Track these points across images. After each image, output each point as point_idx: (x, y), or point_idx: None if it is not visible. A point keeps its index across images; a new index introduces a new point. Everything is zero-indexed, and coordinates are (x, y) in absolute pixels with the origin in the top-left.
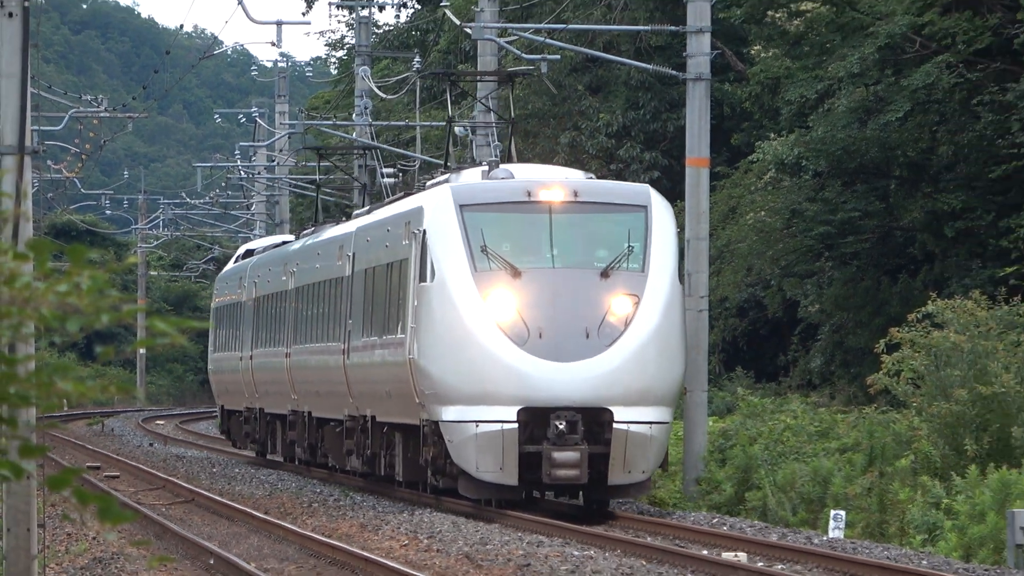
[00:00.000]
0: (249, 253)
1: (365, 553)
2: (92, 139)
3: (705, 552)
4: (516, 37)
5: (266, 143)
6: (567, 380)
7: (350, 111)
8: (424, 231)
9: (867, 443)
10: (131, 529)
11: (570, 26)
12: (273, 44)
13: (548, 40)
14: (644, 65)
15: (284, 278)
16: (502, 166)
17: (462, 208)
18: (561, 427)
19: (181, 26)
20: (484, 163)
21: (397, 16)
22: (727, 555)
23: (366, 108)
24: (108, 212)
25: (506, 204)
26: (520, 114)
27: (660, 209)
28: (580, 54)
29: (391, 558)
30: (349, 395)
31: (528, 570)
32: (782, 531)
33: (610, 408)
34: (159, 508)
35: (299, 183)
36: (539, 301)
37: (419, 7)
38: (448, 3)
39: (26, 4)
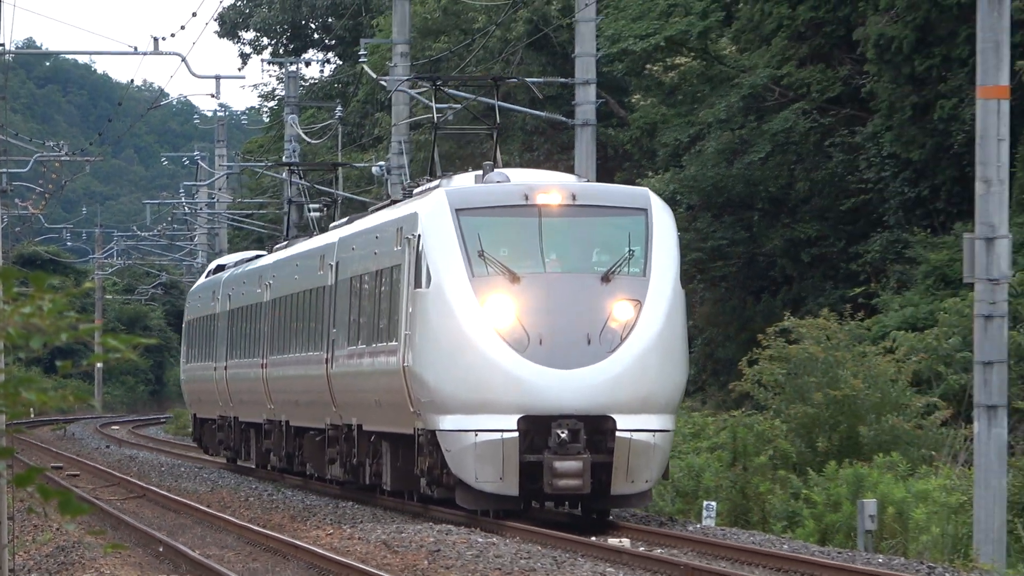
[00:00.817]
0: (220, 268)
1: (294, 540)
2: (54, 180)
3: (594, 538)
4: (425, 88)
5: (206, 183)
6: (568, 387)
7: (280, 154)
8: (419, 236)
9: (732, 443)
10: (89, 520)
11: (469, 74)
12: (212, 96)
13: (452, 91)
14: (538, 112)
15: (259, 290)
16: (496, 170)
17: (458, 212)
18: (563, 436)
19: (132, 80)
20: (481, 168)
21: (321, 70)
22: (613, 540)
23: (294, 151)
24: (68, 243)
25: (503, 208)
26: (428, 156)
27: (660, 212)
28: (481, 103)
29: (317, 545)
30: (332, 404)
31: (438, 555)
32: (661, 519)
33: (612, 416)
34: (114, 502)
35: (234, 216)
36: (539, 307)
37: (340, 63)
38: (366, 59)
39: None
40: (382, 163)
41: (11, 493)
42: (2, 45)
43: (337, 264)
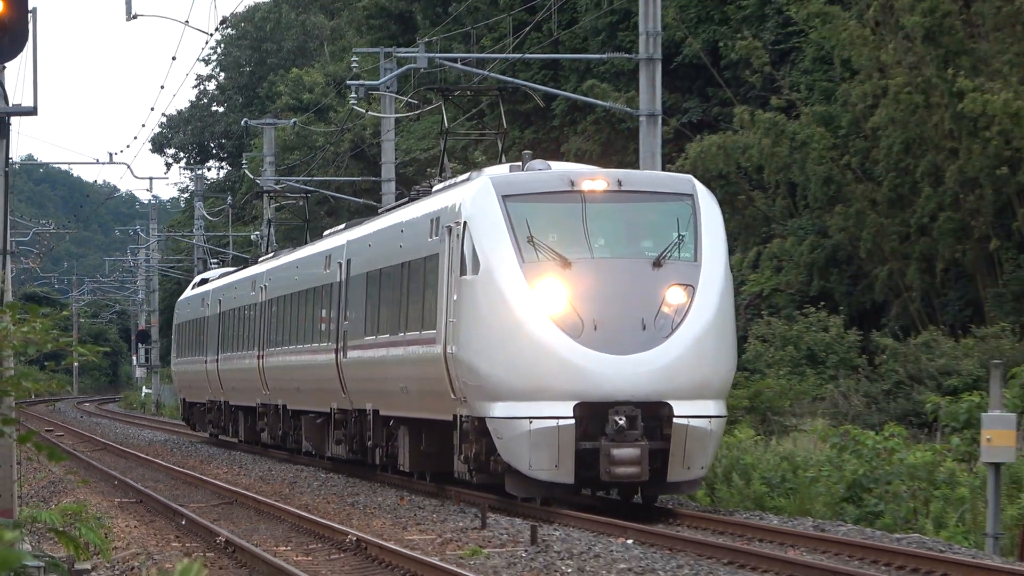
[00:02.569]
0: (204, 281)
1: (204, 477)
2: (45, 245)
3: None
4: (285, 184)
5: (145, 246)
6: (625, 374)
7: (192, 227)
8: (464, 223)
9: None
10: (69, 465)
11: (313, 178)
12: (148, 190)
13: (306, 187)
14: (356, 199)
15: (253, 293)
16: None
17: (505, 199)
18: (620, 422)
19: (95, 180)
20: (518, 160)
21: (218, 173)
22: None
23: (202, 226)
24: (55, 286)
25: (550, 194)
26: (279, 228)
27: (706, 198)
28: (320, 194)
29: (217, 479)
30: (342, 391)
31: (295, 486)
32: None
33: (669, 402)
34: (86, 452)
35: (162, 267)
36: (592, 292)
37: (230, 168)
38: (246, 166)
39: (6, 169)
40: (258, 232)
41: (18, 449)
42: (12, 160)
43: (348, 262)
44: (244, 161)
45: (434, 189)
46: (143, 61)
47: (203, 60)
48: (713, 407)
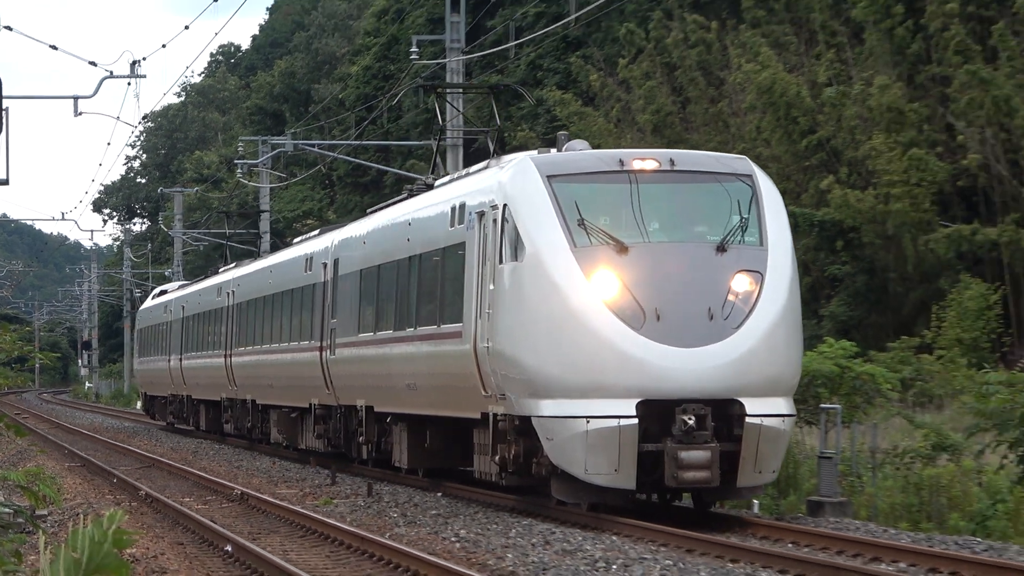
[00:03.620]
0: (163, 292)
1: (130, 447)
2: (15, 280)
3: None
4: (190, 234)
5: (88, 280)
6: (693, 368)
7: (122, 266)
8: (503, 206)
9: None
10: (31, 439)
11: (210, 230)
12: (90, 239)
13: (206, 237)
14: (241, 245)
15: (219, 299)
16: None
17: (550, 179)
18: (690, 422)
19: (52, 232)
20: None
21: (142, 226)
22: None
23: (129, 265)
24: (23, 309)
25: (599, 174)
26: (185, 266)
27: (765, 179)
28: (215, 242)
29: (140, 449)
30: (326, 387)
31: (197, 454)
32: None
33: (740, 399)
34: (45, 430)
35: (101, 297)
36: (652, 279)
37: (151, 224)
38: (162, 222)
39: None
40: (171, 270)
41: None
42: None
43: (335, 262)
44: (160, 218)
45: (437, 184)
46: (87, 145)
47: (130, 145)
48: (784, 405)
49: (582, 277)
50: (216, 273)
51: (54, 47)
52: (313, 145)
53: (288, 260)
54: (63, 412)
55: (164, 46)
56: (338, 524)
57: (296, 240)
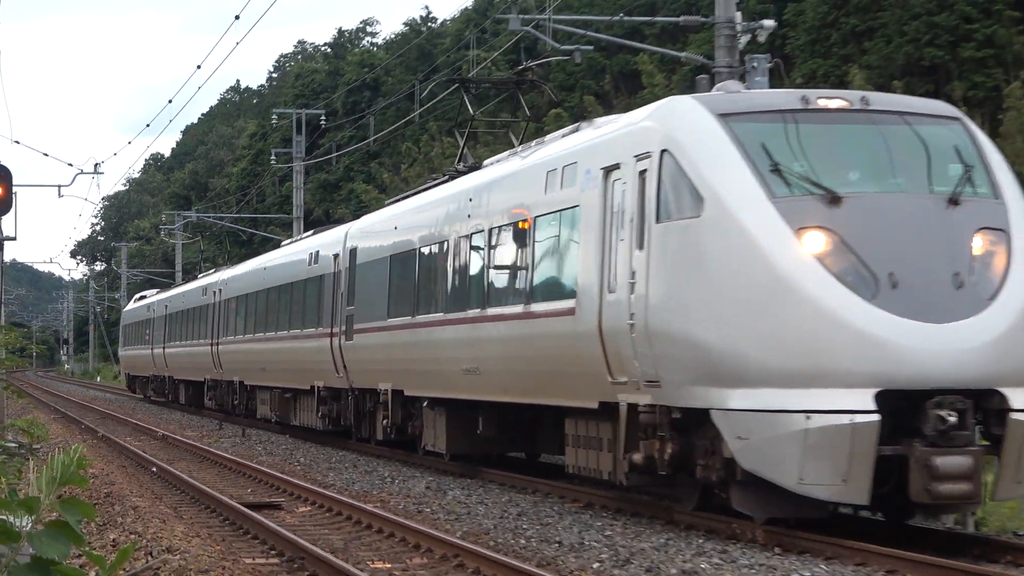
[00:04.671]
0: (142, 297)
1: (93, 406)
2: (19, 301)
3: None
4: (131, 272)
5: (66, 301)
6: (945, 349)
7: (88, 291)
8: (663, 154)
9: None
10: (29, 400)
11: (145, 270)
12: (69, 275)
13: (142, 273)
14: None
15: (204, 297)
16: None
17: (726, 118)
18: (951, 419)
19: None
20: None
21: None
22: None
23: (93, 293)
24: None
25: (784, 113)
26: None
27: (974, 125)
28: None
29: (99, 407)
30: (336, 371)
31: (135, 411)
32: None
33: (1001, 390)
34: (40, 393)
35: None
36: (879, 237)
37: (106, 264)
38: (114, 264)
39: (3, 266)
40: (119, 294)
41: (3, 393)
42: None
43: (352, 251)
44: (112, 262)
45: (485, 164)
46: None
47: (94, 216)
48: None
49: (790, 233)
50: (196, 279)
51: (46, 154)
52: (209, 217)
53: (285, 257)
54: (51, 384)
55: (116, 154)
56: (223, 454)
57: (285, 242)
